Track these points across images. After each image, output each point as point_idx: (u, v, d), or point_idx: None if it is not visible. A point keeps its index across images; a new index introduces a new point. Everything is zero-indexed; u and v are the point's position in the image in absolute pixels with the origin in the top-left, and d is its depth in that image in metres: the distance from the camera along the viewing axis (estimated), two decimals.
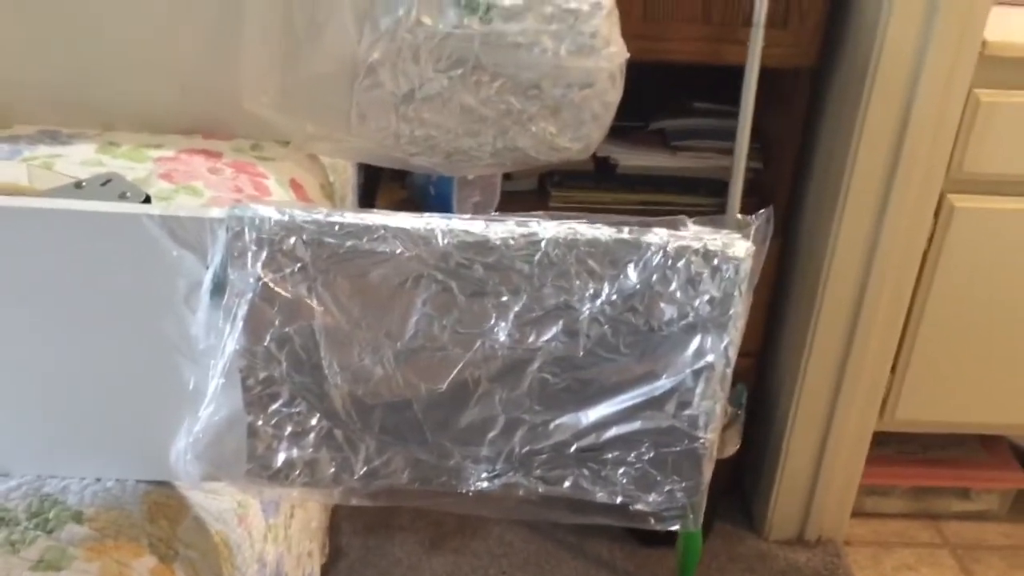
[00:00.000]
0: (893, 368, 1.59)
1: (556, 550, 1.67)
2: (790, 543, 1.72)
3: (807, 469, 1.67)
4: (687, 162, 1.63)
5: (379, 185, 1.70)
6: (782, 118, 1.58)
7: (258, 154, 1.22)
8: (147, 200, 0.90)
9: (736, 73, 1.41)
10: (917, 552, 1.73)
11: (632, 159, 1.63)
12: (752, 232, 0.66)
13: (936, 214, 1.46)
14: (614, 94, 1.22)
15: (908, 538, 1.76)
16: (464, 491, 0.73)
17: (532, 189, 1.69)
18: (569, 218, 0.66)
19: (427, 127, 1.21)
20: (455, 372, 0.67)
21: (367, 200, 1.69)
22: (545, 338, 0.67)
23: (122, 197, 0.91)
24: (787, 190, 1.62)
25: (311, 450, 0.70)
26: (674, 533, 1.58)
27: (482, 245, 0.65)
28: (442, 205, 1.56)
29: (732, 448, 1.64)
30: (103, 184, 0.94)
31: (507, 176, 1.66)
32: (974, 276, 1.51)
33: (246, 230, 0.63)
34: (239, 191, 1.12)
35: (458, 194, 1.58)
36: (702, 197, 1.61)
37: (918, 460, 1.77)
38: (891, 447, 1.74)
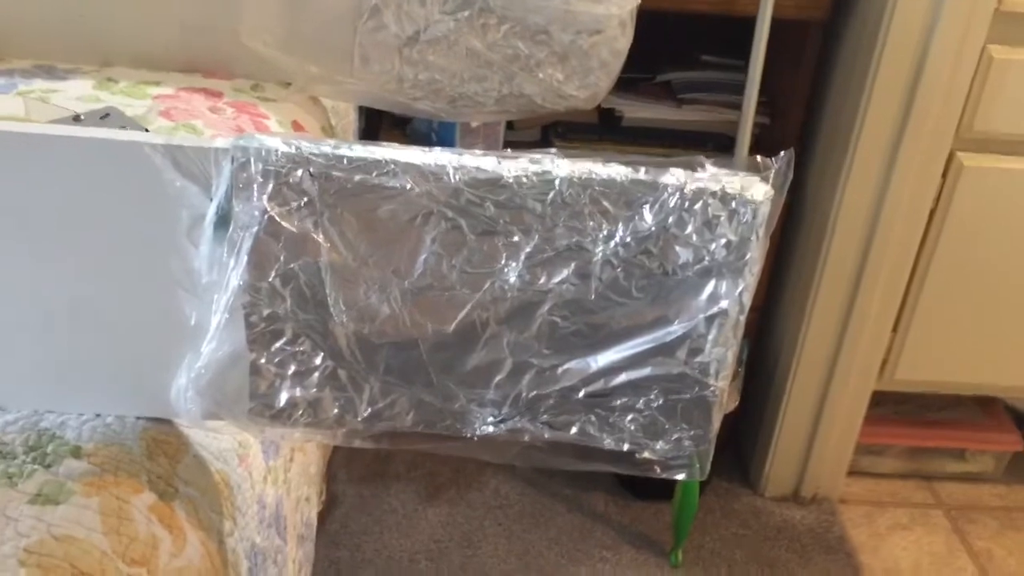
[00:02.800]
0: (895, 327, 1.58)
1: (552, 503, 1.67)
2: (785, 500, 1.72)
3: (805, 427, 1.67)
4: (693, 115, 1.61)
5: (380, 131, 1.67)
6: (791, 72, 1.56)
7: (259, 95, 1.19)
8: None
9: (746, 26, 1.38)
10: (911, 512, 1.73)
11: (637, 111, 1.61)
12: (771, 175, 0.64)
13: (944, 173, 1.45)
14: (624, 41, 1.20)
15: (902, 498, 1.76)
16: (469, 435, 0.72)
17: (535, 140, 1.66)
18: (583, 157, 0.64)
19: (431, 71, 1.18)
20: (463, 313, 0.66)
21: None
22: (556, 280, 0.65)
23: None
24: (794, 145, 1.59)
25: (314, 390, 0.69)
26: (670, 488, 1.58)
27: (494, 182, 0.63)
28: None
29: (731, 404, 1.64)
30: (102, 118, 0.93)
31: (510, 126, 1.63)
32: (980, 237, 1.50)
33: (252, 161, 0.61)
34: (240, 131, 1.10)
35: (460, 142, 1.56)
36: (707, 151, 1.58)
37: (915, 420, 1.77)
38: (888, 407, 1.73)
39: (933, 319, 1.57)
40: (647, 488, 1.68)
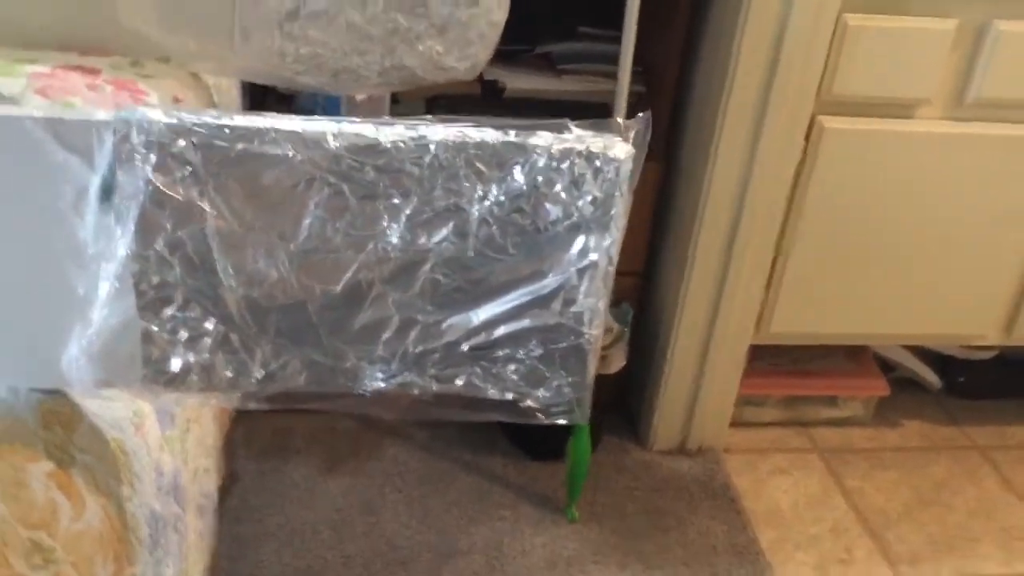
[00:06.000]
0: (768, 285, 1.67)
1: (450, 467, 1.71)
2: (673, 453, 1.81)
3: (688, 383, 1.75)
4: (572, 85, 1.66)
5: (264, 108, 1.67)
6: (663, 43, 1.62)
7: (138, 71, 1.19)
8: None
9: None
10: (789, 457, 1.84)
11: (518, 82, 1.65)
12: (632, 136, 0.69)
13: (807, 136, 1.53)
14: (500, 14, 1.23)
15: (781, 444, 1.87)
16: (360, 392, 0.75)
17: (419, 114, 1.69)
18: (457, 122, 0.68)
19: (313, 45, 1.20)
20: (349, 274, 0.69)
21: None
22: (436, 239, 0.69)
23: None
24: (668, 114, 1.66)
25: (207, 354, 0.71)
26: (564, 447, 1.64)
27: (373, 148, 0.66)
28: None
29: (618, 364, 1.71)
30: None
31: (395, 101, 1.66)
32: (843, 195, 1.59)
33: (134, 132, 0.63)
34: (119, 108, 1.10)
35: (346, 116, 1.57)
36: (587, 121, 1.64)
37: (790, 371, 1.87)
38: (765, 360, 1.83)
39: (803, 275, 1.66)
40: (541, 448, 1.74)
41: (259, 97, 1.68)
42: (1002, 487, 1.81)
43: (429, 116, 0.69)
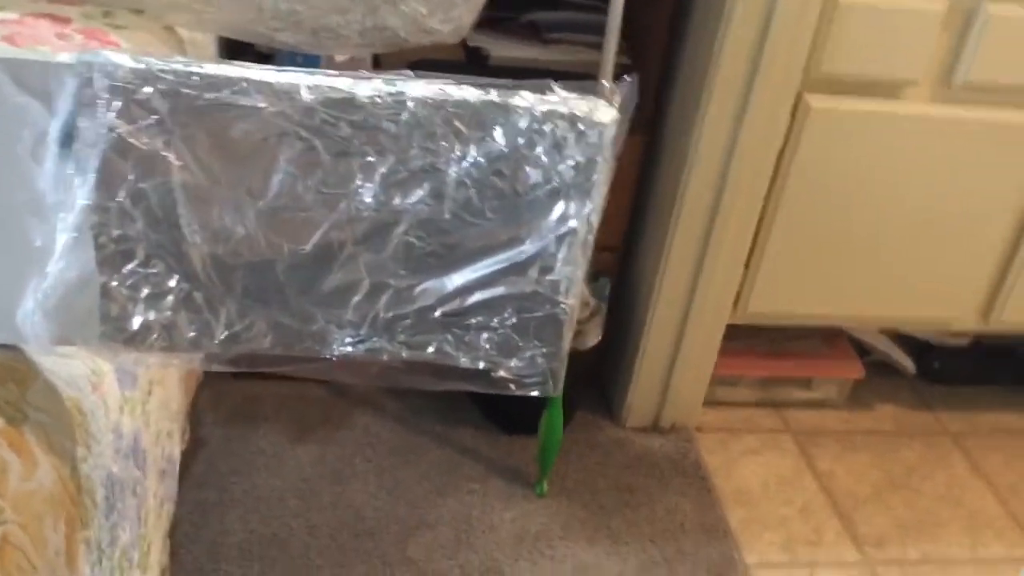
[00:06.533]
0: (747, 264, 1.66)
1: (421, 439, 1.70)
2: (646, 431, 1.80)
3: (664, 360, 1.74)
4: (558, 55, 1.63)
5: None
6: (651, 14, 1.60)
7: (110, 21, 1.15)
8: None
9: None
10: (761, 437, 1.84)
11: (503, 50, 1.62)
12: (617, 100, 0.67)
13: (793, 113, 1.52)
14: None
15: (754, 425, 1.87)
16: (327, 356, 0.73)
17: None
18: (437, 79, 0.65)
19: (292, 2, 1.16)
20: (319, 233, 0.67)
21: None
22: (411, 200, 0.67)
23: None
24: (654, 87, 1.64)
25: (169, 313, 0.68)
26: (536, 421, 1.62)
27: (348, 102, 0.64)
28: None
29: (594, 339, 1.70)
30: None
31: (376, 65, 1.62)
32: (826, 176, 1.58)
33: (96, 77, 0.60)
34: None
35: None
36: None
37: (766, 352, 1.87)
38: (741, 340, 1.82)
39: (782, 255, 1.65)
40: (514, 422, 1.72)
41: (238, 55, 1.64)
42: (972, 473, 1.82)
43: (408, 71, 0.66)
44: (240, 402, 1.70)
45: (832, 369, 1.90)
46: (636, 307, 1.75)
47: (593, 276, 1.69)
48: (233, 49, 1.61)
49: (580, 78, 1.61)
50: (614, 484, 1.67)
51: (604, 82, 0.65)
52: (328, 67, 1.53)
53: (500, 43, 1.62)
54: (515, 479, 1.65)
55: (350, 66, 1.55)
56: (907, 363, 1.99)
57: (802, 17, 1.42)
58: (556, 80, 1.67)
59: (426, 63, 1.61)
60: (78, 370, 0.73)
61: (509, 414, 1.73)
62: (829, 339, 1.91)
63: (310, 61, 1.55)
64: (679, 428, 1.81)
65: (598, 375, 1.85)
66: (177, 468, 1.13)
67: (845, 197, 1.60)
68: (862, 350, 1.96)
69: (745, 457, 1.79)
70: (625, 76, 0.70)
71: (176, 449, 1.13)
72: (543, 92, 0.66)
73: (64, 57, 0.60)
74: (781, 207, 1.60)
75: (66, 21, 1.11)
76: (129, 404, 0.83)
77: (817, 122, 1.52)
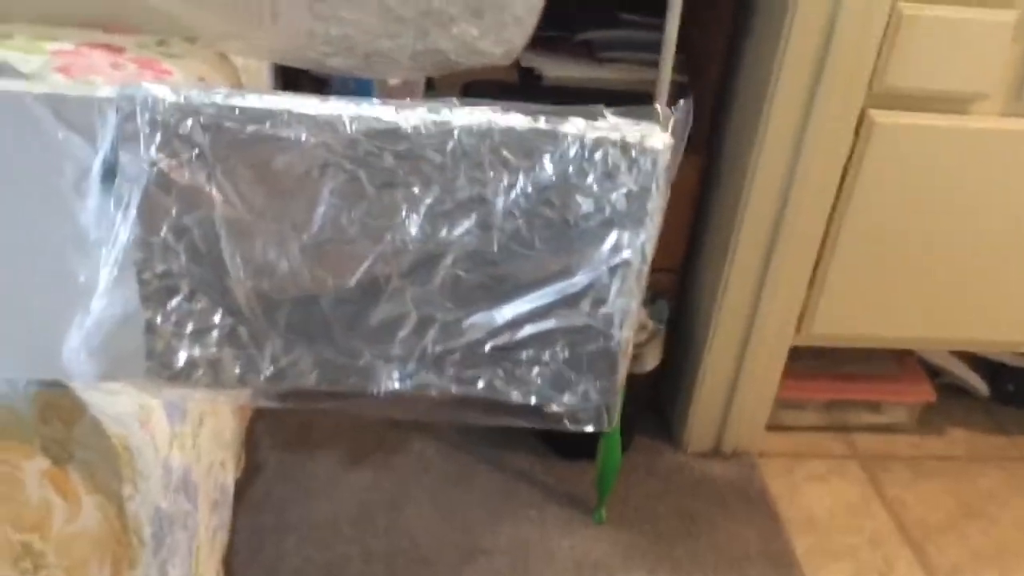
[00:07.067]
0: (811, 283, 1.61)
1: (476, 464, 1.67)
2: (707, 456, 1.75)
3: (725, 383, 1.70)
4: (613, 74, 1.61)
5: (298, 90, 1.64)
6: (708, 31, 1.56)
7: (164, 50, 1.16)
8: None
9: None
10: (828, 463, 1.78)
11: (557, 70, 1.60)
12: (671, 125, 0.64)
13: (857, 130, 1.47)
14: None
15: (820, 450, 1.81)
16: (375, 392, 0.71)
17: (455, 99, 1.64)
18: (484, 105, 0.63)
19: (343, 26, 1.16)
20: (364, 267, 0.65)
21: None
22: (458, 232, 0.65)
23: None
24: (711, 105, 1.60)
25: (214, 348, 0.67)
26: (594, 446, 1.59)
27: (392, 132, 0.62)
28: None
29: (653, 363, 1.66)
30: None
31: (430, 87, 1.62)
32: (891, 193, 1.53)
33: (138, 111, 0.59)
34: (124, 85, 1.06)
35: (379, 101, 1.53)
36: None
37: (832, 374, 1.81)
38: (806, 362, 1.77)
39: (848, 275, 1.60)
40: (571, 447, 1.69)
41: (293, 79, 1.65)
42: None
43: (453, 99, 0.64)
44: (296, 427, 1.70)
45: (901, 392, 1.83)
46: (696, 329, 1.71)
47: (651, 298, 1.65)
48: (289, 73, 1.62)
49: (636, 97, 1.59)
50: (675, 511, 1.63)
51: (658, 106, 0.62)
52: (381, 89, 1.54)
53: (554, 63, 1.60)
54: (573, 505, 1.62)
55: (404, 88, 1.54)
56: (980, 385, 1.91)
57: (866, 30, 1.37)
58: (612, 99, 1.65)
59: (479, 84, 1.61)
60: (126, 406, 0.72)
61: (566, 439, 1.70)
62: (898, 360, 1.85)
63: (364, 84, 1.55)
64: (741, 453, 1.76)
65: (657, 399, 1.82)
66: (231, 497, 1.12)
67: (913, 215, 1.55)
68: (933, 371, 1.89)
69: (811, 483, 1.73)
70: (681, 100, 0.67)
71: (230, 478, 1.13)
72: (594, 118, 0.64)
73: (105, 91, 0.59)
74: (845, 226, 1.55)
75: (120, 51, 1.12)
76: (179, 438, 0.82)
77: (882, 138, 1.47)
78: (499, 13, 1.17)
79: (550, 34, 1.56)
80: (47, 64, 1.03)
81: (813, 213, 1.53)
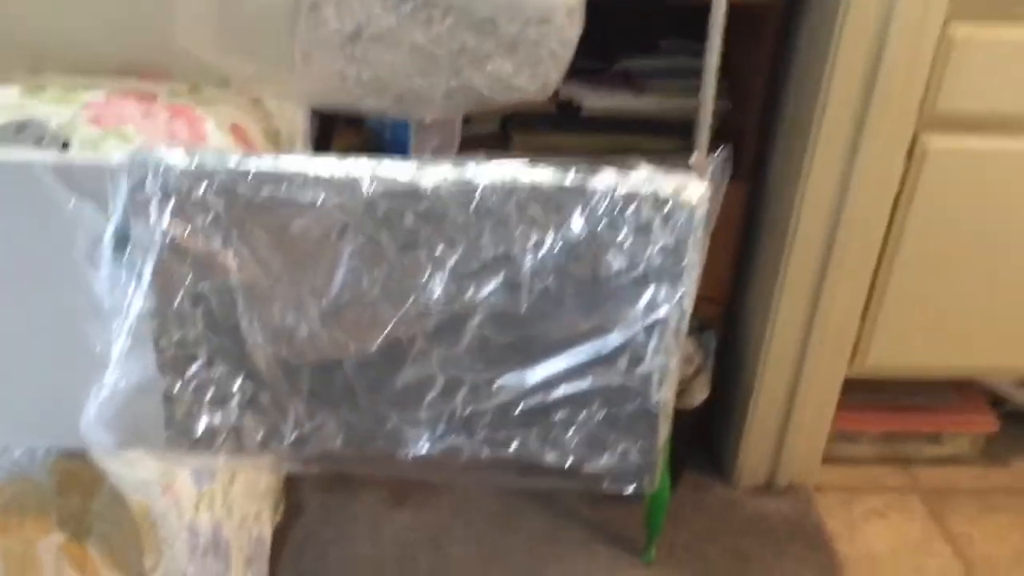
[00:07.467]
0: (864, 313, 1.55)
1: (520, 504, 1.64)
2: (759, 491, 1.70)
3: (777, 416, 1.65)
4: (654, 103, 1.57)
5: (335, 132, 1.63)
6: (751, 56, 1.52)
7: (196, 97, 1.15)
8: (66, 146, 0.84)
9: (703, 9, 1.34)
10: (887, 497, 1.71)
11: (596, 101, 1.57)
12: (707, 173, 0.61)
13: (909, 155, 1.42)
14: (573, 30, 1.15)
15: (879, 483, 1.74)
16: (403, 456, 0.68)
17: (493, 133, 1.62)
18: (508, 159, 0.60)
19: (376, 68, 1.14)
20: (387, 330, 0.62)
21: (322, 145, 1.62)
22: (484, 292, 0.62)
23: (38, 143, 0.84)
24: (756, 131, 1.56)
25: (235, 415, 0.65)
26: None
27: (412, 192, 0.59)
28: (399, 150, 1.49)
29: (701, 397, 1.61)
30: (18, 131, 0.88)
31: (467, 119, 1.59)
32: (946, 219, 1.47)
33: (149, 177, 0.57)
34: (174, 136, 1.05)
35: (415, 139, 1.51)
36: (670, 139, 1.55)
37: (889, 405, 1.74)
38: (861, 393, 1.71)
39: (903, 304, 1.54)
40: None
41: (329, 121, 1.64)
42: None
43: (480, 154, 0.61)
44: None
45: (963, 423, 1.76)
46: (745, 360, 1.66)
47: (698, 329, 1.61)
48: (325, 115, 1.60)
49: (678, 125, 1.55)
50: (727, 550, 1.58)
51: (695, 156, 0.59)
52: (418, 125, 1.52)
53: (592, 93, 1.57)
54: (620, 545, 1.58)
55: (439, 124, 1.52)
56: None
57: (916, 52, 1.32)
58: (652, 129, 1.61)
59: (518, 116, 1.59)
60: (147, 473, 0.70)
61: None
62: (959, 388, 1.78)
63: (400, 122, 1.53)
64: (796, 488, 1.70)
65: (707, 433, 1.76)
66: (267, 548, 1.10)
67: (970, 241, 1.49)
68: (996, 399, 1.82)
69: (870, 519, 1.66)
70: (724, 130, 0.64)
71: (266, 529, 1.11)
72: (627, 169, 0.60)
73: (116, 158, 0.57)
74: (900, 253, 1.49)
75: (152, 99, 1.11)
76: (206, 498, 0.80)
77: (936, 163, 1.41)
78: (534, 49, 1.14)
79: (588, 64, 1.53)
80: (77, 116, 1.02)
81: (865, 240, 1.48)
